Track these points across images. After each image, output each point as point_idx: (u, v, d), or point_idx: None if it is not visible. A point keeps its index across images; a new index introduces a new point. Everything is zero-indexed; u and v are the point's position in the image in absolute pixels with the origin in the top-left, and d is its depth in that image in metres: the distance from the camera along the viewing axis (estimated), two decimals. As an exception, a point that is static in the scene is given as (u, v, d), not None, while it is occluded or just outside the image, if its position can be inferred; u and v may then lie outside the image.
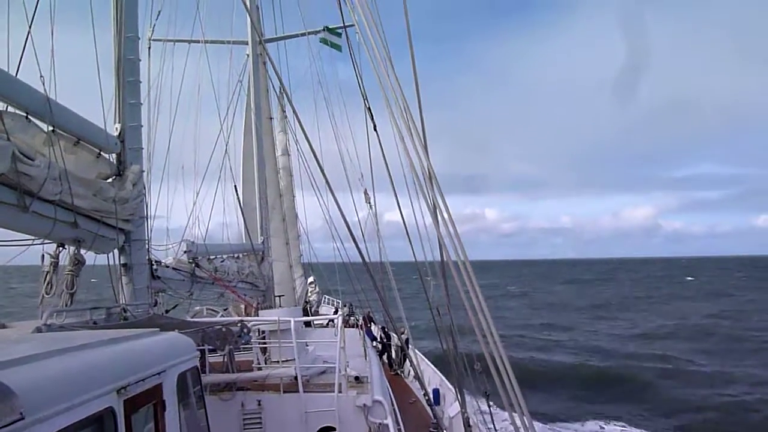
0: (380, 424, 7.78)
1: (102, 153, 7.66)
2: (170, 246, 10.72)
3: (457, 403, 10.81)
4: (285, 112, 23.13)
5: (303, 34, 21.17)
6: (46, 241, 6.75)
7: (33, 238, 6.43)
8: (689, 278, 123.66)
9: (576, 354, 35.23)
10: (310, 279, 25.69)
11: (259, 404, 7.84)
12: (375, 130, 8.91)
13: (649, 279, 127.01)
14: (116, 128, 8.18)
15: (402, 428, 9.88)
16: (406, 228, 9.89)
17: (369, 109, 8.68)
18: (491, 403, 8.49)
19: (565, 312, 60.86)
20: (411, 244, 9.87)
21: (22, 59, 6.24)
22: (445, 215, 6.21)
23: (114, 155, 8.06)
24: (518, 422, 5.48)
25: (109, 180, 7.83)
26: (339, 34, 20.49)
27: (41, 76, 6.15)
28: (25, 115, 6.03)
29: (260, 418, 7.80)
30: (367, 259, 11.12)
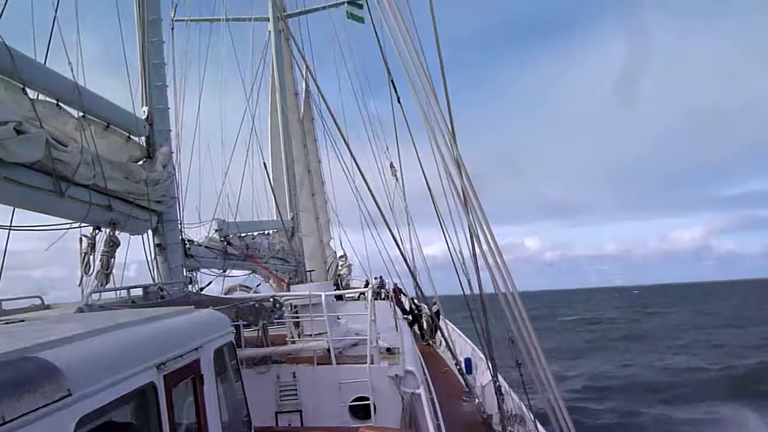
0: (413, 393, 7.91)
1: (131, 136, 7.82)
2: (202, 224, 10.96)
3: (488, 372, 10.93)
4: (309, 87, 23.13)
5: (324, 8, 21.00)
6: (83, 224, 6.98)
7: (70, 222, 6.66)
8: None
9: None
10: (340, 253, 25.94)
11: (294, 376, 8.04)
12: (399, 102, 8.90)
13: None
14: (144, 111, 8.32)
15: (434, 397, 10.03)
16: (426, 180, 9.92)
17: (392, 81, 8.65)
18: (522, 372, 8.55)
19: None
20: (438, 213, 9.94)
21: (50, 47, 6.37)
22: (475, 203, 6.23)
23: (143, 138, 8.21)
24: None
25: (140, 162, 8.00)
26: (360, 6, 20.23)
27: (69, 63, 6.27)
28: (55, 102, 6.18)
29: (296, 389, 8.00)
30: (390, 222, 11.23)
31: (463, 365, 12.58)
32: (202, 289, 10.12)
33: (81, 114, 6.52)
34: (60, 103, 6.23)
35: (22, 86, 5.51)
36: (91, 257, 7.28)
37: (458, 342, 16.50)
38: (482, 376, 13.08)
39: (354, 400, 7.94)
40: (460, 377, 12.25)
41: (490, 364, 10.38)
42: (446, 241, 10.35)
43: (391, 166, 19.10)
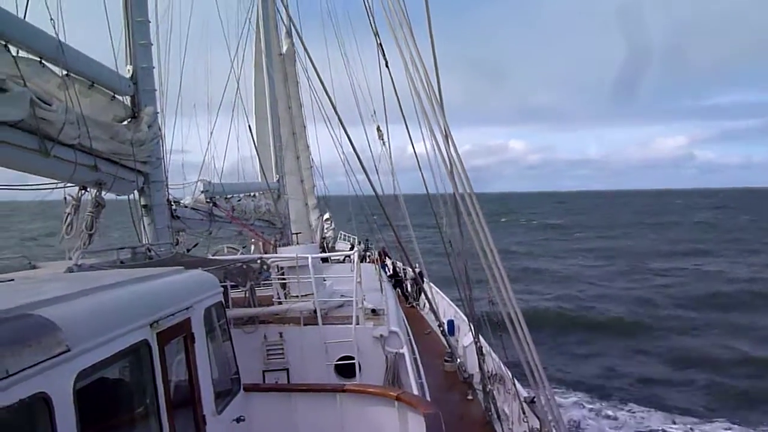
0: (396, 353, 8.12)
1: (116, 96, 7.71)
2: (187, 184, 10.92)
3: (470, 333, 11.21)
4: (295, 46, 22.71)
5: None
6: (69, 184, 6.95)
7: (56, 181, 6.62)
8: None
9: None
10: (326, 216, 25.97)
11: (281, 336, 8.20)
12: (387, 66, 8.85)
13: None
14: (128, 70, 8.19)
15: (417, 357, 10.29)
16: (417, 159, 10.01)
17: (380, 45, 8.58)
18: (501, 333, 8.83)
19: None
20: (423, 175, 10.07)
21: (29, 2, 6.20)
22: (461, 172, 6.30)
23: (128, 98, 8.10)
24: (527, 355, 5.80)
25: (125, 122, 7.91)
26: None
27: (51, 19, 6.13)
28: (38, 59, 6.07)
29: (282, 348, 8.17)
30: (379, 192, 11.32)
31: (445, 327, 12.86)
32: (189, 251, 10.16)
33: (65, 72, 6.42)
34: (43, 61, 6.12)
35: (4, 43, 5.40)
36: (75, 218, 7.27)
37: (441, 304, 16.80)
38: (464, 337, 13.40)
39: (339, 359, 8.13)
40: (442, 338, 12.54)
41: (471, 326, 10.64)
42: (436, 219, 10.55)
43: (378, 129, 19.01)
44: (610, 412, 17.43)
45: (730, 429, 16.37)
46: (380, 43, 8.52)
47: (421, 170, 10.19)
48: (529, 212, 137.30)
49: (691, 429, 16.41)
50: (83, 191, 7.26)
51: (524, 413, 8.99)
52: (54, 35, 6.12)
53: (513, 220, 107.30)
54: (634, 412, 17.52)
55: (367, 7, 8.67)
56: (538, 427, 8.37)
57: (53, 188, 6.70)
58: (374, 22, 8.64)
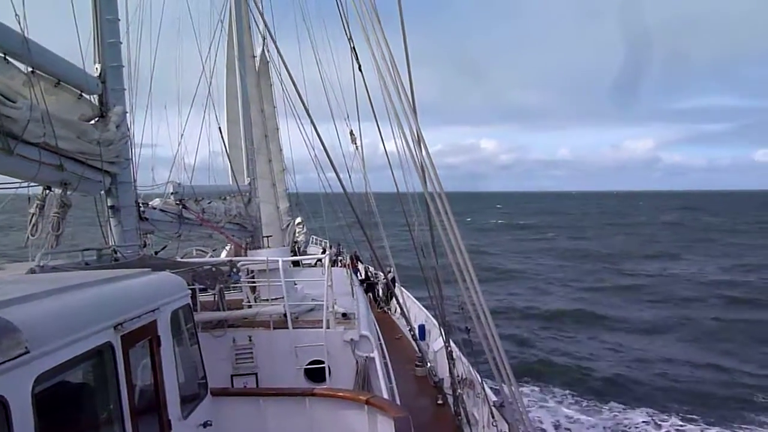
0: (366, 357, 8.11)
1: (83, 94, 7.56)
2: (157, 186, 10.75)
3: (441, 338, 11.27)
4: (268, 49, 22.55)
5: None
6: (32, 184, 6.78)
7: (19, 180, 6.46)
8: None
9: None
10: (298, 220, 25.82)
11: (250, 340, 8.12)
12: (360, 70, 8.89)
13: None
14: (96, 69, 8.03)
15: (388, 361, 10.30)
16: (388, 159, 10.08)
17: (354, 49, 8.63)
18: (470, 335, 8.91)
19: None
20: (394, 176, 10.14)
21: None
22: (434, 177, 6.37)
23: (95, 96, 7.95)
24: (495, 357, 5.86)
25: (92, 122, 7.76)
26: None
27: (16, 15, 5.99)
28: (2, 55, 5.92)
29: (252, 352, 8.09)
30: (349, 190, 11.31)
31: (416, 331, 12.90)
32: (157, 253, 9.99)
33: (30, 69, 6.27)
34: (7, 57, 5.98)
35: (-34, 37, 5.26)
36: (40, 218, 7.10)
37: (412, 309, 16.85)
38: (435, 342, 13.46)
39: (309, 364, 8.09)
40: (413, 343, 12.57)
41: (442, 330, 10.70)
42: (407, 222, 10.58)
43: (351, 133, 18.98)
44: (589, 415, 17.68)
45: (708, 429, 16.81)
46: (353, 47, 8.57)
47: (392, 170, 10.26)
48: (501, 212, 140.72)
49: (669, 429, 16.77)
50: (48, 191, 7.09)
51: (493, 417, 9.07)
52: (19, 31, 5.98)
53: (483, 219, 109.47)
54: (614, 412, 17.86)
55: (341, 11, 8.73)
56: (507, 430, 8.45)
57: (17, 188, 6.54)
58: (348, 27, 8.71)
